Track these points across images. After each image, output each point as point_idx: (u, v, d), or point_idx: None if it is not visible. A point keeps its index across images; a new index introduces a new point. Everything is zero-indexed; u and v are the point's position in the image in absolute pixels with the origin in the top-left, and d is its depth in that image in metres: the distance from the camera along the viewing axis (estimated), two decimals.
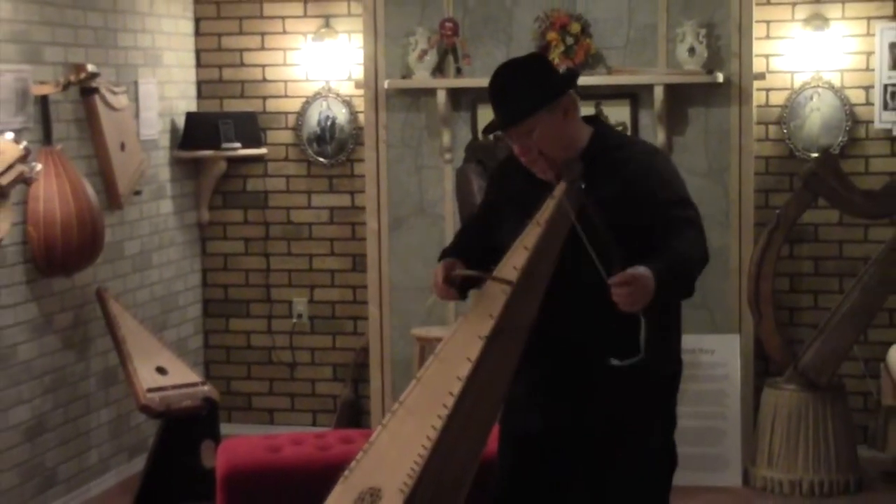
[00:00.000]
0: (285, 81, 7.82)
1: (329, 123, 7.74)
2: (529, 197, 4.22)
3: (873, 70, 7.15)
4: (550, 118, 4.16)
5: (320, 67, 7.72)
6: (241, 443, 5.39)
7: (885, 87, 7.12)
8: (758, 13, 6.96)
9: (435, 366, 4.06)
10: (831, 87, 7.19)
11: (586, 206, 4.02)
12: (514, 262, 4.10)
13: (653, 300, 3.91)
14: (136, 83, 7.22)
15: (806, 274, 7.32)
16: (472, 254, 4.37)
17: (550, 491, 4.38)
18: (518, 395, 4.19)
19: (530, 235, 4.13)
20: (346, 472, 3.96)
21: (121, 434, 7.13)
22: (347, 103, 7.69)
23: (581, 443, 4.31)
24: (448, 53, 6.99)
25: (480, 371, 3.96)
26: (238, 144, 7.65)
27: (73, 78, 6.42)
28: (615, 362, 3.97)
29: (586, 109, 5.20)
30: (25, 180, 5.82)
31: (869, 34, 7.15)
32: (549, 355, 4.17)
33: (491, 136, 6.86)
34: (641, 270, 3.89)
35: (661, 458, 4.36)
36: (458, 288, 4.29)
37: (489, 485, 4.39)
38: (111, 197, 6.87)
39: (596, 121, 4.37)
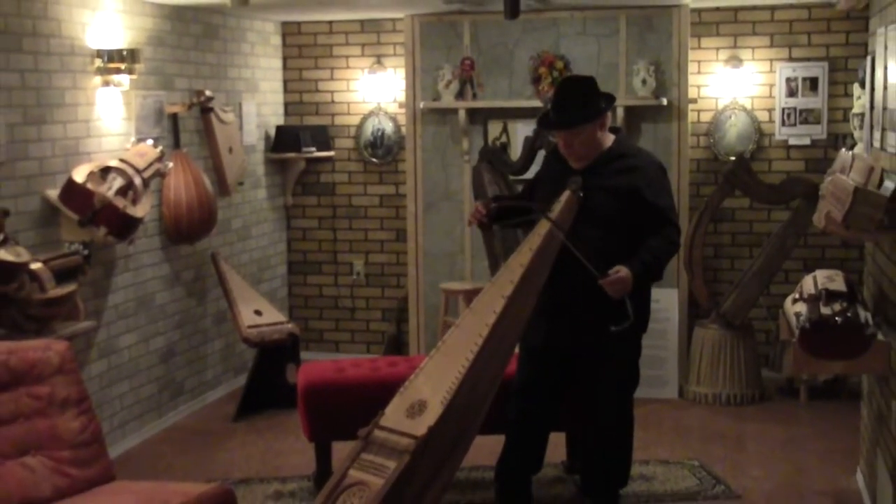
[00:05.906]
0: (348, 103, 7.70)
1: (380, 134, 7.63)
2: (560, 177, 4.32)
3: (775, 97, 7.05)
4: (592, 127, 4.26)
5: (373, 93, 7.61)
6: (315, 366, 5.34)
7: (783, 109, 7.03)
8: (692, 55, 6.85)
9: (469, 316, 4.09)
10: (744, 109, 7.08)
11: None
12: (530, 245, 4.12)
13: (633, 288, 4.14)
14: (240, 104, 7.14)
15: (726, 245, 7.23)
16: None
17: (552, 392, 4.48)
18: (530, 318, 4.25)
19: (544, 225, 4.16)
20: (402, 388, 3.96)
21: (228, 358, 7.07)
22: (393, 119, 7.58)
23: (573, 357, 4.39)
24: (467, 83, 6.88)
25: (502, 320, 3.99)
26: (314, 149, 7.56)
27: (195, 100, 6.41)
28: (613, 328, 4.14)
29: None
30: (161, 174, 5.79)
31: (771, 71, 7.05)
32: (552, 291, 4.22)
33: (498, 144, 6.81)
34: (623, 272, 4.10)
35: (630, 373, 4.53)
36: (490, 217, 4.43)
37: (508, 394, 4.46)
38: (222, 187, 6.80)
39: (618, 131, 4.43)
